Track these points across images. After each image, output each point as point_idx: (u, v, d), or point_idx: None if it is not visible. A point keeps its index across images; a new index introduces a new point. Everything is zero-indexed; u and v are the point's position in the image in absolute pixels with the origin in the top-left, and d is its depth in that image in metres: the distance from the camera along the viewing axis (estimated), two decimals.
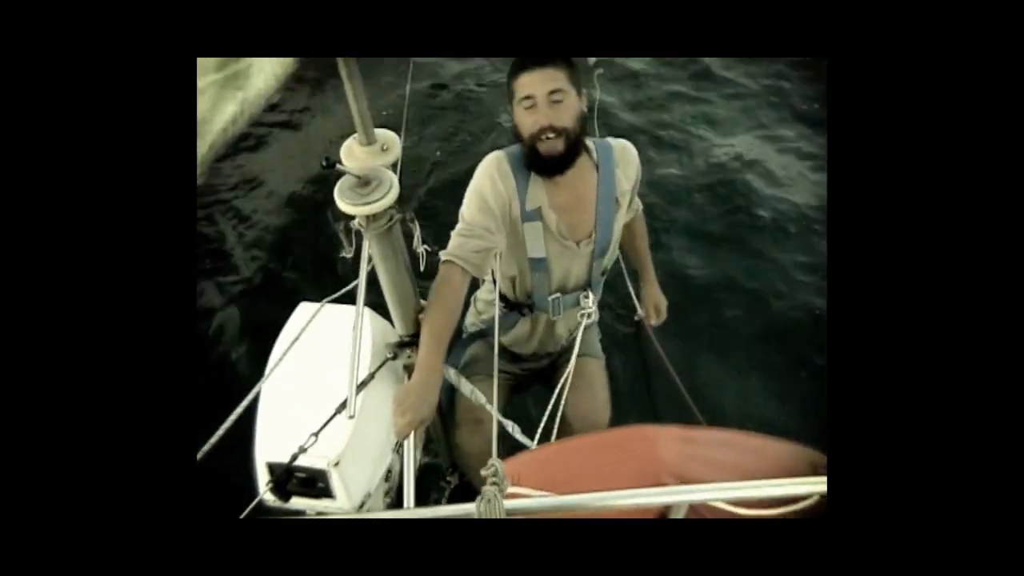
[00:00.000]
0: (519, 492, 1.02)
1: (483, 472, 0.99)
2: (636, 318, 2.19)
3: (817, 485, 0.96)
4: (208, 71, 0.80)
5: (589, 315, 1.79)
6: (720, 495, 0.95)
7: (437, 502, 1.79)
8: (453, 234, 1.57)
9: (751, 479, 0.96)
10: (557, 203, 1.62)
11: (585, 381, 1.76)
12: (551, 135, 1.48)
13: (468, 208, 1.57)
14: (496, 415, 1.33)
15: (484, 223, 1.54)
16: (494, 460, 1.00)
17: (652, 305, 2.10)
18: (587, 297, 1.79)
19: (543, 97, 1.46)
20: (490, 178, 1.56)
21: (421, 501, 1.58)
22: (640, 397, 2.75)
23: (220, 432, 1.28)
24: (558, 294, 1.76)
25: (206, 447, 1.23)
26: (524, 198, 1.58)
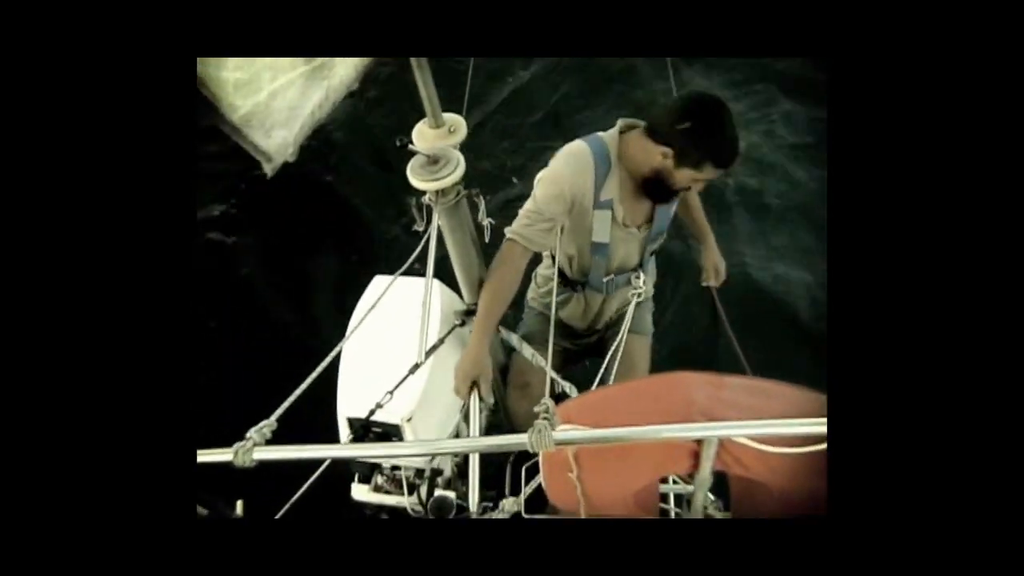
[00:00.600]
0: (568, 428, 1.14)
1: (536, 408, 1.12)
2: (703, 283, 2.26)
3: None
4: (297, 64, 0.91)
5: (640, 295, 1.92)
6: (745, 431, 1.05)
7: (501, 471, 1.92)
8: (521, 212, 1.68)
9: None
10: (625, 194, 1.74)
11: (628, 357, 1.87)
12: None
13: (542, 193, 1.66)
14: (549, 370, 1.45)
15: (554, 210, 1.65)
16: (546, 400, 1.13)
17: (712, 267, 2.20)
18: (638, 277, 1.92)
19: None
20: (572, 169, 1.66)
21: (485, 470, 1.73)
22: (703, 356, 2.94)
23: (301, 388, 1.40)
24: (612, 275, 1.89)
25: (287, 403, 1.32)
26: (601, 189, 1.69)
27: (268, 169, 1.11)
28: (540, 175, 1.78)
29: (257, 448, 1.13)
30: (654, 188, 1.68)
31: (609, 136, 1.70)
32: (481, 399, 1.62)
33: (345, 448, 1.45)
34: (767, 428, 1.03)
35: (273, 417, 1.26)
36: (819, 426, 1.02)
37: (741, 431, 1.04)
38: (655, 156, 1.60)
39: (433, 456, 1.86)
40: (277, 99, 1.09)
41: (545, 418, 1.10)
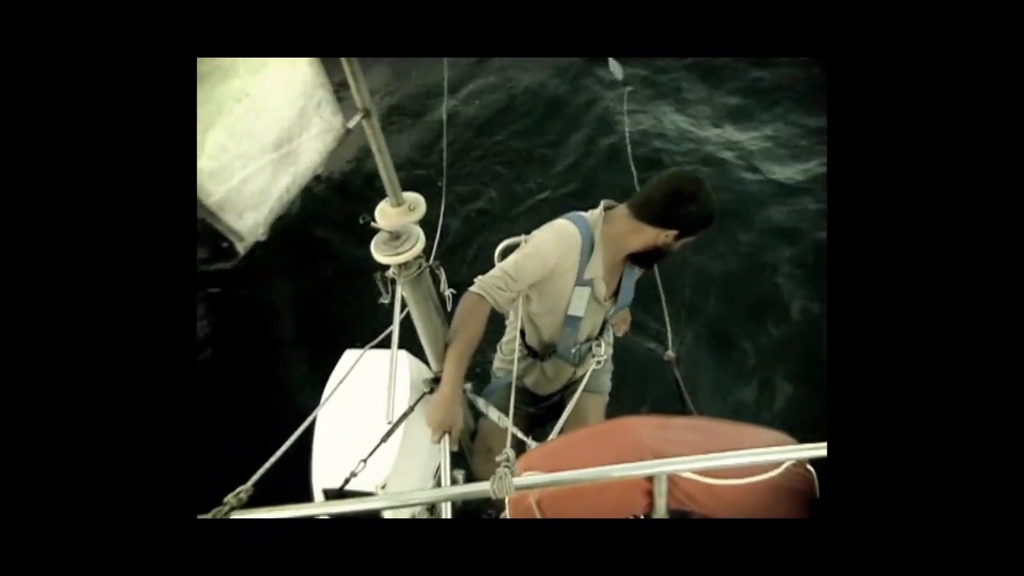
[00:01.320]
0: (528, 475, 1.21)
1: (497, 459, 1.19)
2: (665, 358, 2.42)
3: (776, 455, 1.13)
4: (267, 151, 1.00)
5: (600, 362, 2.06)
6: (691, 465, 1.13)
7: None
8: (494, 272, 1.79)
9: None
10: (605, 271, 1.89)
11: (581, 415, 2.01)
12: None
13: (523, 266, 1.77)
14: (510, 426, 1.53)
15: (528, 282, 1.79)
16: (507, 449, 1.21)
17: (622, 320, 2.38)
18: (599, 346, 2.07)
19: None
20: (561, 249, 1.79)
21: None
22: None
23: (277, 455, 1.45)
24: (579, 345, 2.01)
25: (260, 472, 1.36)
26: (584, 269, 1.83)
27: (240, 248, 1.21)
28: (506, 249, 1.92)
29: (234, 511, 1.18)
30: (647, 259, 1.87)
31: (592, 218, 1.86)
32: (452, 449, 1.68)
33: (318, 506, 1.48)
34: (709, 461, 1.11)
35: (250, 482, 1.31)
36: (758, 456, 1.11)
37: (687, 465, 1.12)
38: (656, 236, 1.78)
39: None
40: (248, 184, 1.19)
41: (506, 466, 1.18)
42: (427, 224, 1.65)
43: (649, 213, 1.77)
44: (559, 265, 1.79)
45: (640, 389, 3.29)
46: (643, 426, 1.21)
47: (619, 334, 2.40)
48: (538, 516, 1.25)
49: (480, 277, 1.79)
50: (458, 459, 2.24)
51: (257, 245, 1.24)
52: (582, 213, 1.88)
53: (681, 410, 2.29)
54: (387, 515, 1.85)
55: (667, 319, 2.56)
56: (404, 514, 1.87)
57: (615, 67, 2.62)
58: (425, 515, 1.95)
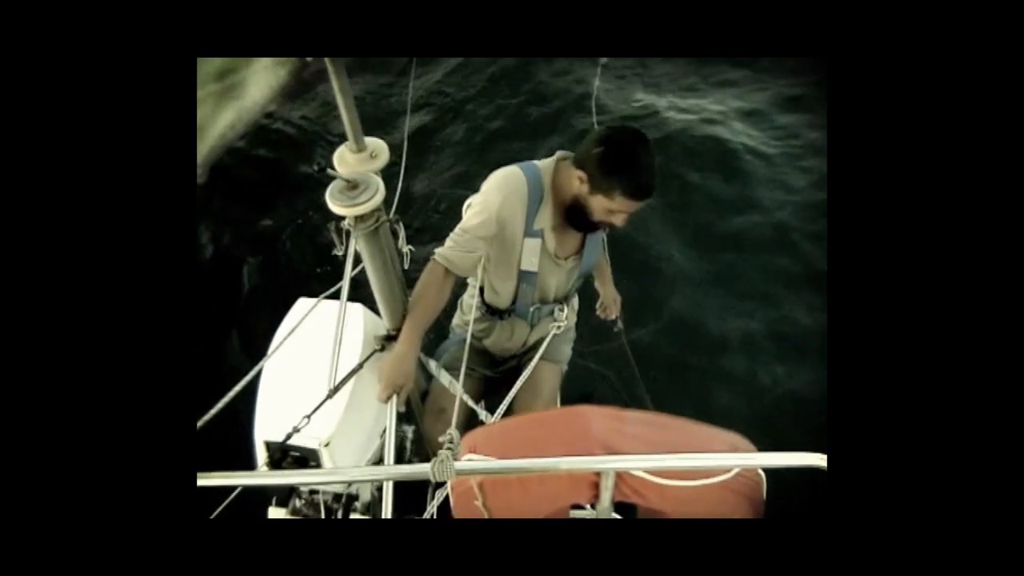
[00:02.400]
0: (471, 459, 1.15)
1: (440, 439, 1.12)
2: (615, 329, 2.36)
3: (727, 461, 1.07)
4: (207, 83, 0.89)
5: (560, 327, 1.97)
6: (641, 464, 1.07)
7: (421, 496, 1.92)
8: (450, 237, 1.71)
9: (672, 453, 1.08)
10: (557, 224, 1.77)
11: (534, 383, 1.92)
12: (607, 229, 1.77)
13: (474, 219, 1.69)
14: (461, 394, 1.46)
15: (482, 235, 1.68)
16: (451, 430, 1.14)
17: (612, 300, 2.29)
18: (562, 310, 1.97)
19: (626, 216, 1.66)
20: (503, 194, 1.68)
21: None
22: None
23: (218, 407, 1.40)
24: (538, 304, 1.91)
25: (204, 419, 1.34)
26: (532, 218, 1.72)
27: None
28: (470, 199, 1.80)
29: None
30: (575, 216, 1.72)
31: (544, 165, 1.74)
32: (399, 409, 1.62)
33: (255, 476, 1.42)
34: (661, 461, 1.05)
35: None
36: (708, 461, 1.05)
37: (636, 464, 1.06)
38: (574, 181, 1.64)
39: (350, 483, 1.84)
40: None
41: (449, 448, 1.11)
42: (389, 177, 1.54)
43: (576, 154, 1.66)
44: (502, 211, 1.68)
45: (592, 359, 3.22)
46: (596, 416, 1.15)
47: (611, 316, 2.30)
48: (479, 498, 1.19)
49: (440, 247, 1.70)
50: (408, 415, 2.19)
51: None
52: (534, 161, 1.76)
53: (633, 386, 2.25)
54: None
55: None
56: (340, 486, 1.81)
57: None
58: (366, 488, 1.90)
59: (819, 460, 1.00)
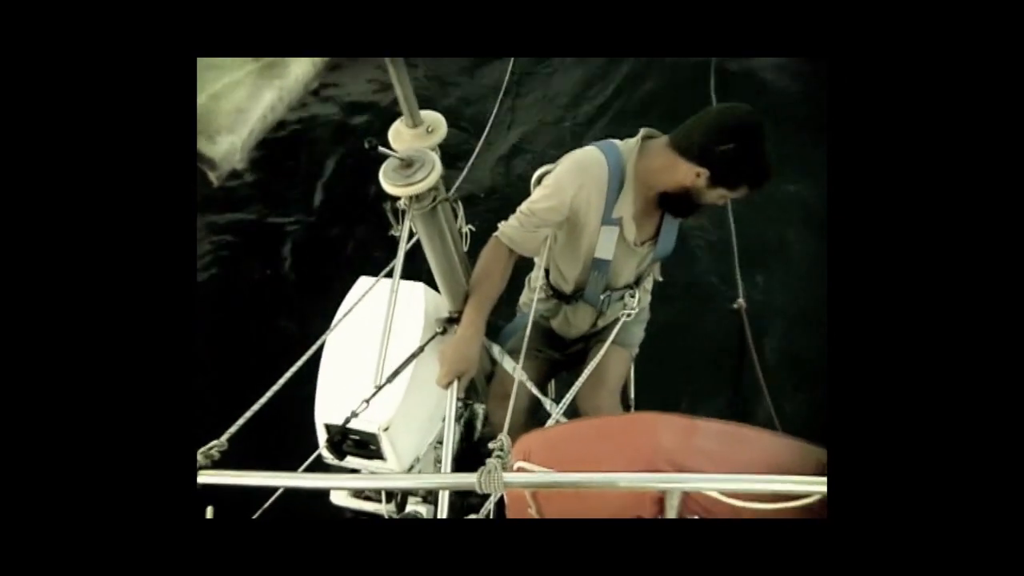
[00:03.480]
0: (523, 467, 1.06)
1: (491, 445, 1.04)
2: (735, 306, 2.18)
3: (815, 485, 0.94)
4: (246, 62, 0.84)
5: (630, 315, 1.83)
6: (714, 485, 0.95)
7: None
8: (516, 215, 1.60)
9: (750, 473, 0.95)
10: (638, 211, 1.64)
11: (602, 369, 1.78)
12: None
13: (543, 201, 1.57)
14: (524, 379, 1.38)
15: (551, 220, 1.58)
16: (503, 435, 1.05)
17: None
18: (633, 296, 1.84)
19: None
20: (580, 181, 1.56)
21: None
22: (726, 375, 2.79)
23: (275, 387, 1.36)
24: (609, 292, 1.80)
25: (261, 402, 1.30)
26: (611, 206, 1.60)
27: (213, 177, 1.04)
28: (542, 176, 1.69)
29: (202, 472, 1.07)
30: (676, 204, 1.60)
31: (627, 147, 1.60)
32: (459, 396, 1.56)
33: (294, 477, 1.39)
34: (740, 484, 0.93)
35: (224, 437, 1.20)
36: (801, 485, 0.92)
37: (704, 484, 0.95)
38: (686, 174, 1.50)
39: (412, 465, 1.80)
40: (221, 102, 1.01)
41: (498, 456, 1.03)
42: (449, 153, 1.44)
43: (685, 144, 1.49)
44: (577, 199, 1.55)
45: (700, 341, 3.01)
46: (666, 429, 1.03)
47: None
48: (532, 506, 1.11)
49: (504, 222, 1.59)
50: (479, 393, 2.13)
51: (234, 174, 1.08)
52: (615, 141, 1.61)
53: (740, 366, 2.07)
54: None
55: (736, 261, 2.30)
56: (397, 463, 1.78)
57: None
58: (429, 467, 1.87)
59: None
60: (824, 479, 0.94)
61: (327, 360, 1.77)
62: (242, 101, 1.01)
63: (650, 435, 1.03)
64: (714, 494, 0.99)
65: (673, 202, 1.59)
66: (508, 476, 0.99)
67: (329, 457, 1.75)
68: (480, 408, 2.21)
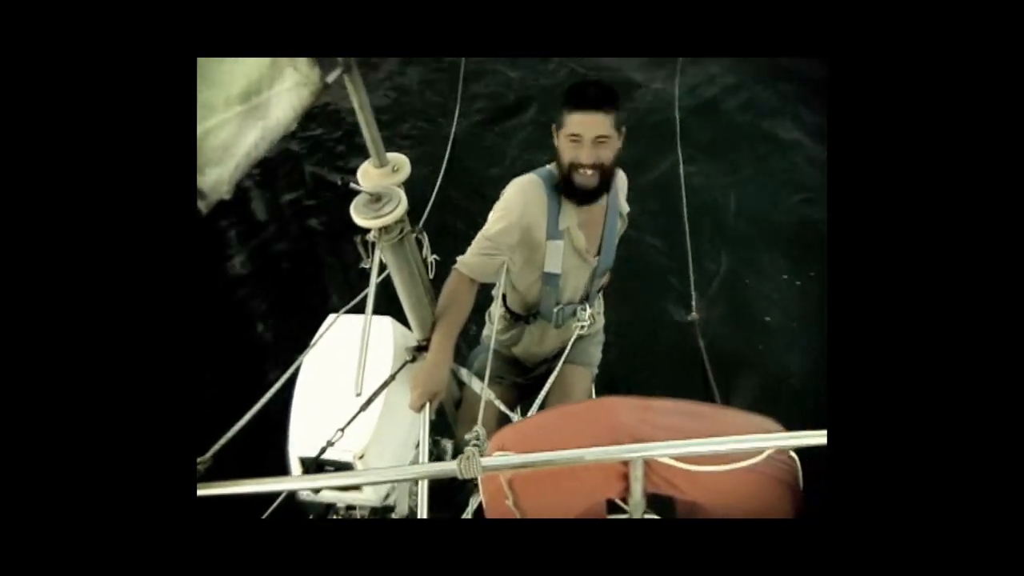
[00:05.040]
0: (500, 454, 1.16)
1: (467, 436, 1.13)
2: (689, 319, 2.31)
3: (757, 442, 1.06)
4: (232, 103, 0.93)
5: (583, 327, 1.96)
6: (667, 451, 1.06)
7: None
8: (473, 245, 1.74)
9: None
10: (580, 221, 1.79)
11: (564, 387, 1.92)
12: (588, 171, 1.65)
13: (496, 225, 1.72)
14: (489, 395, 1.48)
15: (506, 243, 1.71)
16: (478, 427, 1.15)
17: None
18: (584, 310, 1.97)
19: (589, 139, 1.62)
20: (524, 202, 1.72)
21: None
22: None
23: (242, 422, 1.39)
24: (561, 305, 1.93)
25: (222, 441, 1.32)
26: (555, 219, 1.75)
27: (202, 206, 1.14)
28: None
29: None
30: (568, 181, 1.70)
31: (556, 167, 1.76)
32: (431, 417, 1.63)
33: (278, 481, 1.43)
34: (687, 448, 1.05)
35: (209, 453, 1.26)
36: (737, 443, 1.04)
37: (663, 451, 1.06)
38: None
39: (387, 494, 1.85)
40: (210, 138, 1.12)
41: (475, 445, 1.12)
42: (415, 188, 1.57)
43: None
44: (523, 219, 1.71)
45: (653, 357, 3.17)
46: (624, 408, 1.15)
47: None
48: (509, 497, 1.19)
49: (462, 256, 1.73)
50: (445, 427, 2.19)
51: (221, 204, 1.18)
52: (548, 166, 1.80)
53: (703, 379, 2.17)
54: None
55: (691, 273, 2.42)
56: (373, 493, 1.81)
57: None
58: (403, 500, 1.92)
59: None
60: (763, 436, 1.07)
61: (299, 395, 1.84)
62: (229, 139, 1.13)
63: (611, 415, 1.14)
64: (669, 461, 1.10)
65: (567, 183, 1.70)
66: (485, 460, 1.09)
67: (305, 493, 1.79)
68: (448, 444, 2.28)
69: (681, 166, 2.43)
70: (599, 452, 1.06)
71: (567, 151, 1.66)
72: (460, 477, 1.08)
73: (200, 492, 1.10)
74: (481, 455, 1.10)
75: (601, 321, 2.14)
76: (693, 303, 2.28)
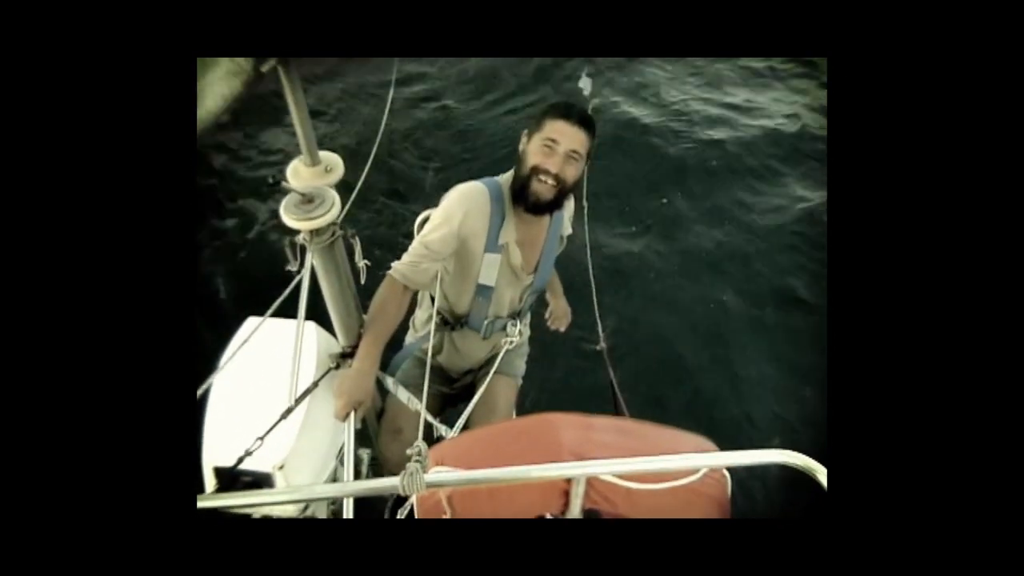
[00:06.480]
0: (439, 470, 1.13)
1: (408, 451, 1.10)
2: (597, 348, 2.33)
3: (695, 461, 1.09)
4: None
5: (511, 343, 1.96)
6: (611, 469, 1.07)
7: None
8: (408, 252, 1.69)
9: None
10: (520, 238, 1.77)
11: (490, 398, 1.92)
12: (550, 181, 1.62)
13: (434, 232, 1.67)
14: (422, 410, 1.45)
15: (443, 251, 1.67)
16: (419, 442, 1.12)
17: (563, 313, 2.26)
18: (514, 325, 1.96)
19: (564, 149, 1.60)
20: (465, 212, 1.66)
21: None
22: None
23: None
24: (492, 319, 1.91)
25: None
26: (496, 232, 1.71)
27: None
28: (430, 213, 1.79)
29: None
30: (523, 188, 1.66)
31: (505, 179, 1.75)
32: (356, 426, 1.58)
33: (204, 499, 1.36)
34: (632, 465, 1.06)
35: None
36: (676, 461, 1.07)
37: (609, 469, 1.07)
38: (520, 145, 1.68)
39: (306, 505, 1.78)
40: None
41: (417, 460, 1.09)
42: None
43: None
44: (463, 228, 1.67)
45: (566, 383, 3.22)
46: (566, 425, 1.15)
47: (561, 328, 2.26)
48: (447, 512, 1.17)
49: (397, 262, 1.68)
50: (362, 437, 2.13)
51: None
52: (496, 177, 1.77)
53: (612, 407, 2.21)
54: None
55: (596, 305, 2.46)
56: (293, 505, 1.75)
57: (585, 83, 2.51)
58: (323, 511, 1.85)
59: (786, 457, 1.03)
60: (712, 455, 1.10)
61: (214, 402, 1.74)
62: None
63: (553, 432, 1.14)
64: (612, 479, 1.11)
65: (520, 193, 1.66)
66: (429, 476, 1.06)
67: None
68: (365, 453, 2.21)
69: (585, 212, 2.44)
70: (544, 469, 1.06)
71: (535, 155, 1.63)
72: (403, 493, 1.04)
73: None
74: (423, 471, 1.07)
75: (527, 333, 2.14)
76: (600, 333, 2.32)
